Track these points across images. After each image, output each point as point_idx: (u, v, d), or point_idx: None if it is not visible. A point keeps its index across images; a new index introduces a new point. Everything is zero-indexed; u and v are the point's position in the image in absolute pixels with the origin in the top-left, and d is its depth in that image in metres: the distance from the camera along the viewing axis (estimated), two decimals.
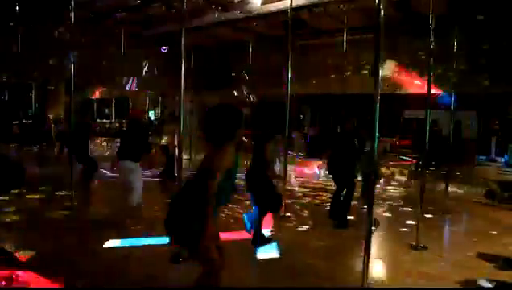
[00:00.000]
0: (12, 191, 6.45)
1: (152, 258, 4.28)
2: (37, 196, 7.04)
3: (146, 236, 4.90)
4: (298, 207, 6.87)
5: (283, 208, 5.75)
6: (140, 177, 5.47)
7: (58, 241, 4.79)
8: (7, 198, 6.40)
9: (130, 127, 5.54)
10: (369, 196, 3.36)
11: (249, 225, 4.75)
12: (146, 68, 11.59)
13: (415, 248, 4.79)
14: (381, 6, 3.15)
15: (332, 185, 6.61)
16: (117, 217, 5.46)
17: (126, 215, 5.40)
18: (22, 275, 3.73)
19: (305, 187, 8.82)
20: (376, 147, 3.25)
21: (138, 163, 5.41)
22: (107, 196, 7.36)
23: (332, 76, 10.65)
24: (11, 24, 7.43)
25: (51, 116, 12.73)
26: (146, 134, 5.71)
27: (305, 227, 5.71)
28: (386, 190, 8.59)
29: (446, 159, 8.39)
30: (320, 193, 8.13)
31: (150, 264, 4.11)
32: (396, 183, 9.59)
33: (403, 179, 9.83)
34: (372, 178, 3.43)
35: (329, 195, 7.53)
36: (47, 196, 7.08)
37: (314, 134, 15.00)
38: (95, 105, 19.20)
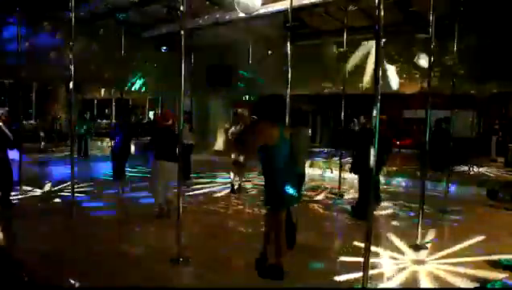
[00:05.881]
0: None
1: (152, 258, 4.29)
2: None
3: None
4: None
5: None
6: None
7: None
8: None
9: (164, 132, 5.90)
10: (369, 194, 3.36)
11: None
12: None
13: (416, 248, 4.79)
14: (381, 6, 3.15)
15: None
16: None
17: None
18: None
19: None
20: (376, 146, 3.24)
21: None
22: None
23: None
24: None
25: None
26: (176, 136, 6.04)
27: None
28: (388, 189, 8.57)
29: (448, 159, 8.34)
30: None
31: (151, 264, 4.12)
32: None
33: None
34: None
35: None
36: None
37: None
38: (95, 105, 19.26)
